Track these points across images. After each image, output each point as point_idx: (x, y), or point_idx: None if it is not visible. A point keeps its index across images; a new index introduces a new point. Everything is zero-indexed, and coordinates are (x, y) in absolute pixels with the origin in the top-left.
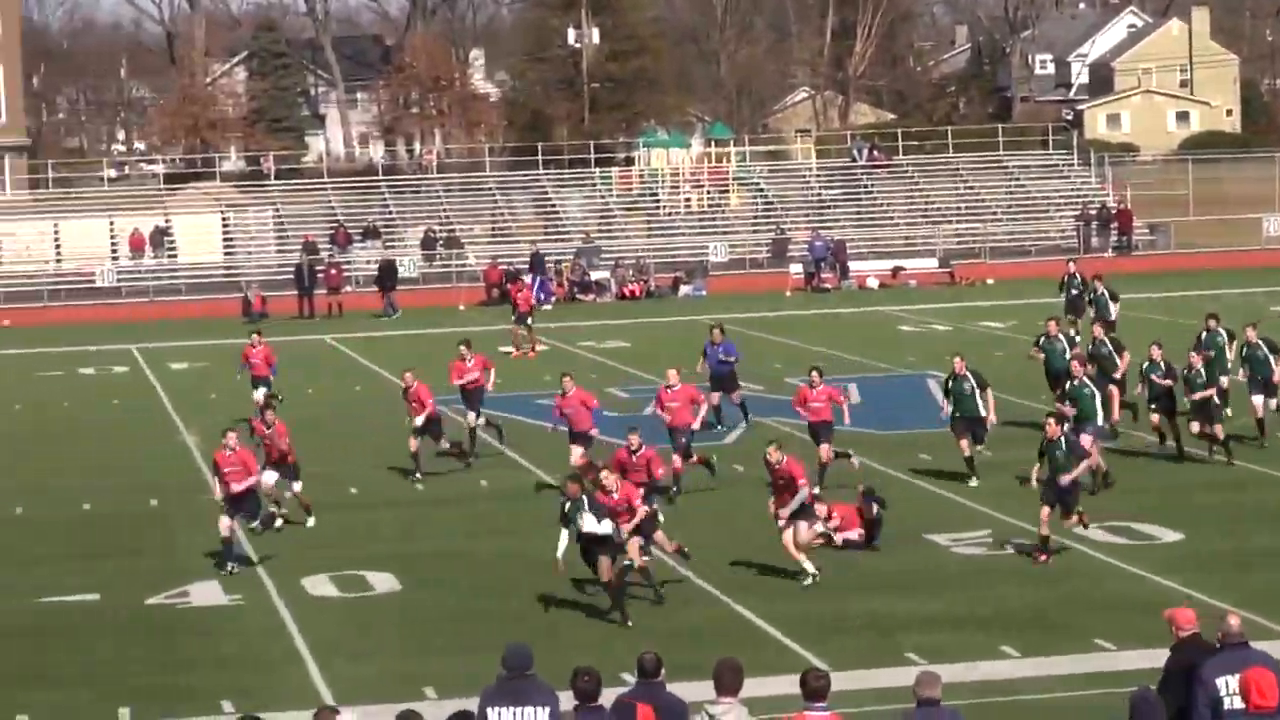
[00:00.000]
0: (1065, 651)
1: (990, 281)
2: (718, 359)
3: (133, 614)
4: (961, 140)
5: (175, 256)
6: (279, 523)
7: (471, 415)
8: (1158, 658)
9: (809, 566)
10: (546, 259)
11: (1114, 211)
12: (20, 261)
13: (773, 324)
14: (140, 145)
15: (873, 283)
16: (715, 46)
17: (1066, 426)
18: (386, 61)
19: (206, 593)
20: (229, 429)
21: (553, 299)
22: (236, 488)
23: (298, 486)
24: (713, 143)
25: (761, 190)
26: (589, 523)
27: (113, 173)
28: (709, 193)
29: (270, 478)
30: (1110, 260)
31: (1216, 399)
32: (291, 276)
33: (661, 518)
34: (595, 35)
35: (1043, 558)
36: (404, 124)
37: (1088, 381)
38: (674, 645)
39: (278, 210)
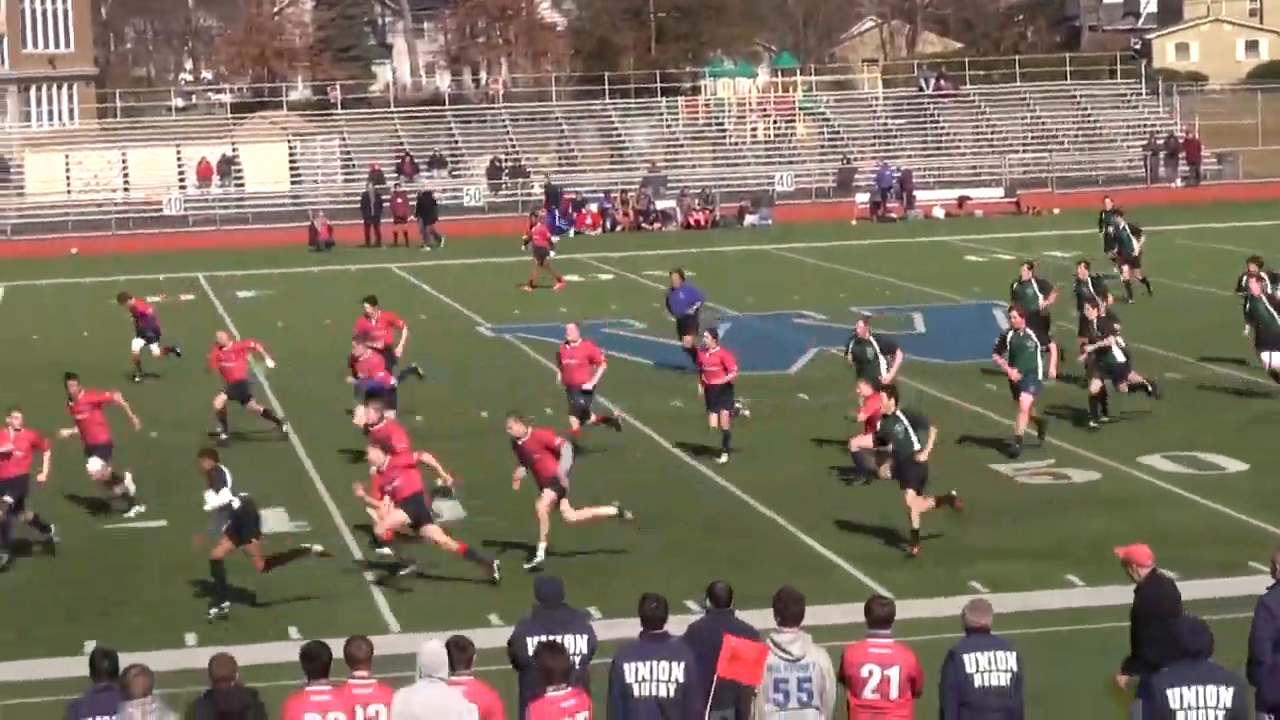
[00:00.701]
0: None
1: (1057, 211)
2: (679, 304)
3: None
4: (1029, 70)
5: (242, 185)
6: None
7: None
8: (1223, 587)
9: (541, 549)
10: (563, 191)
11: (1182, 141)
12: (89, 190)
13: (838, 253)
14: (207, 75)
15: (939, 212)
16: None
17: (896, 402)
18: None
19: (273, 520)
20: (13, 407)
21: (570, 231)
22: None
23: (95, 465)
24: (779, 72)
25: (828, 120)
26: (209, 499)
27: (180, 102)
28: (775, 122)
29: (95, 465)
30: (1178, 190)
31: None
32: (358, 205)
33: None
34: None
35: (914, 550)
36: (470, 53)
37: (1030, 334)
38: (737, 573)
39: (344, 139)
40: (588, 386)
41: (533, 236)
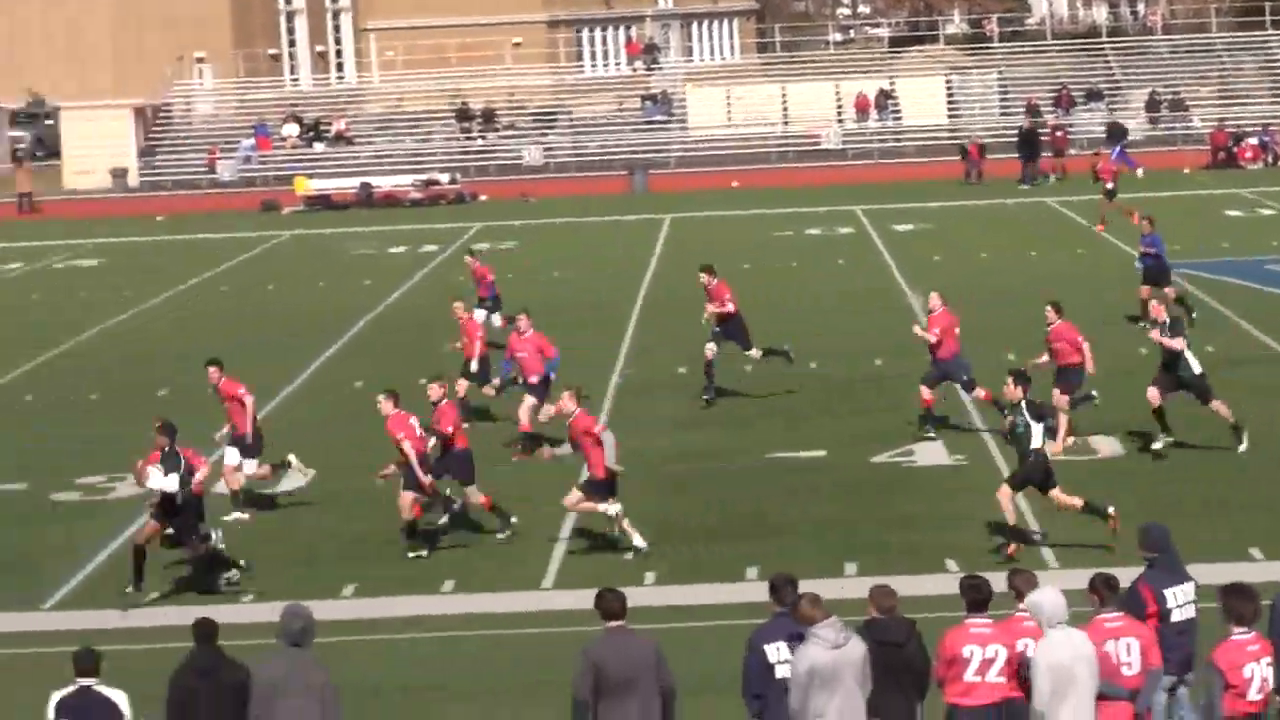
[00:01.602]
0: None
1: None
2: (1142, 253)
3: (858, 471)
4: None
5: (900, 119)
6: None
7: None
8: None
9: (633, 535)
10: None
11: None
12: (749, 124)
13: None
14: (864, 9)
15: None
16: None
17: (1025, 390)
18: None
19: (930, 453)
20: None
21: (1138, 168)
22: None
23: (250, 466)
24: None
25: None
26: (154, 479)
27: (838, 36)
28: None
29: (233, 459)
30: None
31: None
32: (1014, 140)
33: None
34: None
35: (1010, 550)
36: None
37: None
38: None
39: (1001, 73)
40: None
41: (1100, 175)
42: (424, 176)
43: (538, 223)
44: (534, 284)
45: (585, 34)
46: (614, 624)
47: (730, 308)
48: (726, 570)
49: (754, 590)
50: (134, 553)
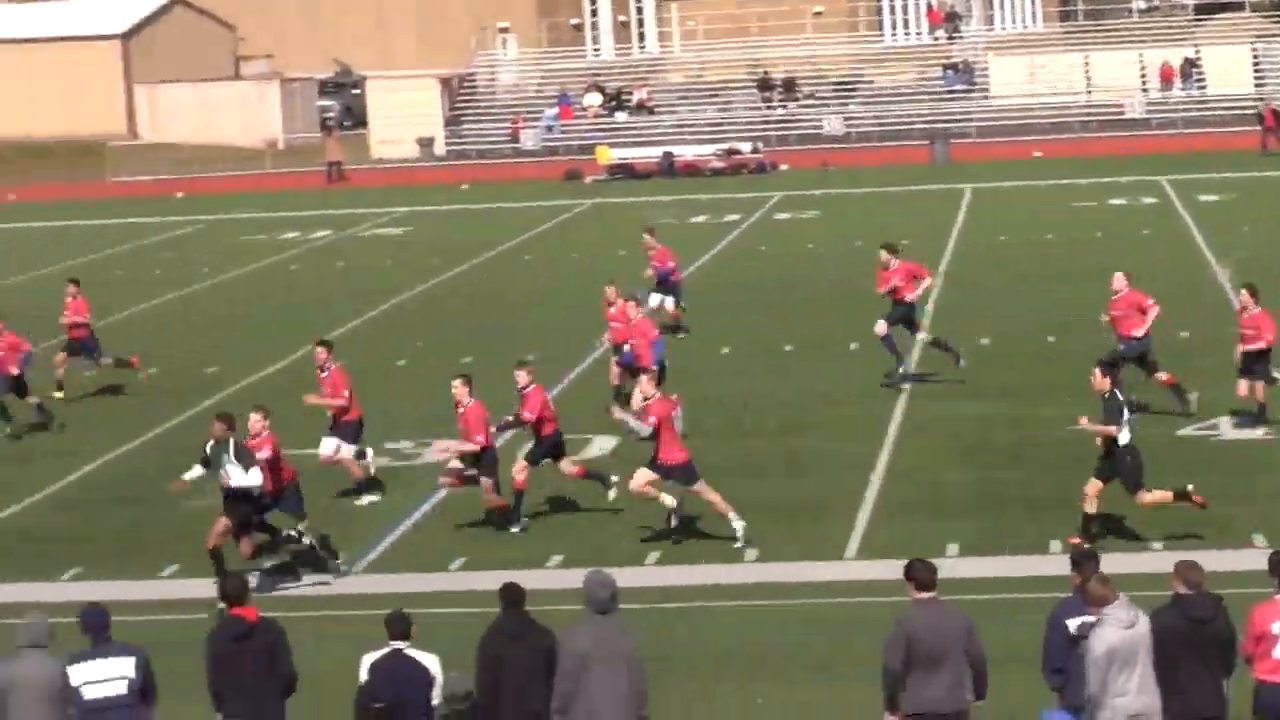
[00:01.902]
0: None
1: None
2: None
3: (1164, 445)
4: None
5: (1204, 88)
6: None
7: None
8: None
9: (666, 499)
10: None
11: None
12: (1052, 94)
13: None
14: None
15: None
16: None
17: (1112, 380)
18: None
19: (1237, 430)
20: (259, 407)
21: None
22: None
23: (348, 450)
24: None
25: None
26: (235, 476)
27: (1142, 4)
28: None
29: (329, 446)
30: None
31: None
32: None
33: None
34: None
35: (1074, 540)
36: None
37: None
38: None
39: None
40: (1138, 334)
41: None
42: (725, 146)
43: (839, 192)
44: (835, 253)
45: (886, 3)
46: (925, 595)
47: (914, 294)
48: (1029, 543)
49: (1056, 564)
50: (250, 555)
